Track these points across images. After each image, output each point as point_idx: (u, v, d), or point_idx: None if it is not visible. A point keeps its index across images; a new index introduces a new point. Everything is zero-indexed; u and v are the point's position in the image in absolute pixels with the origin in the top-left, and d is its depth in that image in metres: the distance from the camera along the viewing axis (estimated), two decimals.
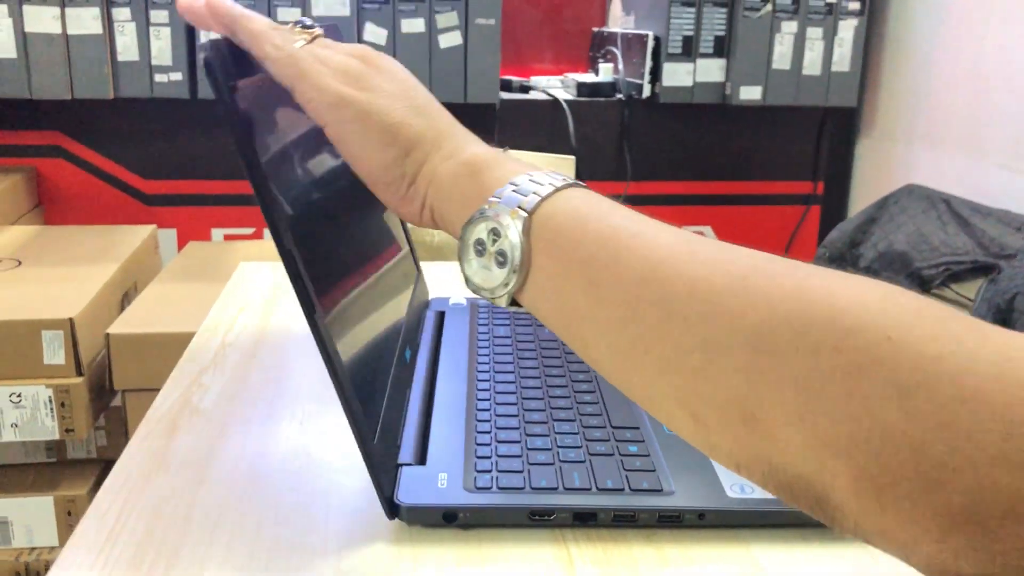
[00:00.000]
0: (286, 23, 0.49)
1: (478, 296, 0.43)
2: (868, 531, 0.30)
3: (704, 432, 0.34)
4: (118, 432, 1.35)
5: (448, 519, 0.49)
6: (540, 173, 0.42)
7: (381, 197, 0.48)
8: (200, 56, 0.42)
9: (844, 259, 1.89)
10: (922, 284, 1.71)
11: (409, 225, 1.16)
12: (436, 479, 0.51)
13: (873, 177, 2.32)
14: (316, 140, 0.57)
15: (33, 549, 1.29)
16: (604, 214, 0.39)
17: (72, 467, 1.36)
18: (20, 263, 1.49)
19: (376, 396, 0.54)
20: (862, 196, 2.34)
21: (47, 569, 1.27)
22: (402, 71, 0.49)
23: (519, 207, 0.40)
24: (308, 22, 0.50)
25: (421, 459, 0.54)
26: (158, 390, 0.72)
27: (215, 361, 0.74)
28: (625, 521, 0.50)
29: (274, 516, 0.51)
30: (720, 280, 0.34)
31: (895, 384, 0.28)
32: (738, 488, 0.51)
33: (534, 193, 0.41)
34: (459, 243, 0.43)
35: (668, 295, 0.35)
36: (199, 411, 0.65)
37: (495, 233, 0.41)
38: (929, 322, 0.30)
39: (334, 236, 0.57)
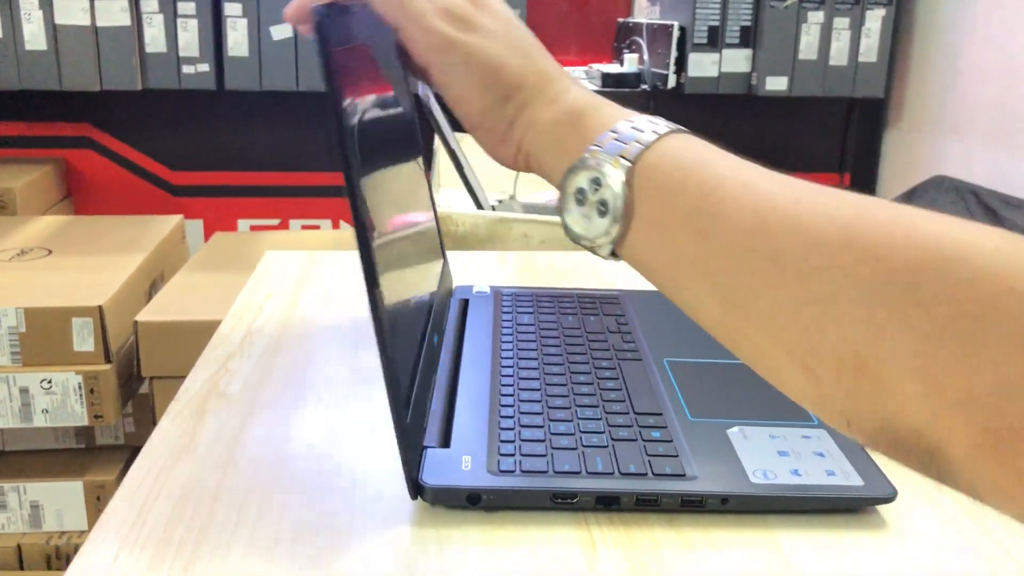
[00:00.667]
0: None
1: (578, 244, 0.42)
2: (984, 488, 0.29)
3: (816, 385, 0.34)
4: (146, 419, 1.37)
5: (472, 501, 0.50)
6: (641, 119, 0.42)
7: (478, 139, 0.48)
8: (313, 20, 0.43)
9: None
10: None
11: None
12: (460, 461, 0.52)
13: (901, 168, 2.29)
14: (393, 116, 0.57)
15: (64, 533, 1.32)
16: (709, 162, 0.39)
17: (101, 453, 1.38)
18: (50, 252, 1.51)
19: (409, 377, 0.54)
20: (889, 187, 2.31)
21: (76, 552, 1.30)
22: (506, 10, 0.49)
23: (621, 156, 0.40)
24: None
25: (445, 442, 0.54)
26: (185, 377, 0.73)
27: (242, 347, 0.75)
28: (648, 505, 0.50)
29: (299, 499, 0.52)
30: (831, 231, 0.34)
31: (1018, 335, 0.28)
32: (761, 474, 0.51)
33: (636, 141, 0.40)
34: (560, 191, 0.42)
35: (781, 248, 0.35)
36: (226, 395, 0.66)
37: (596, 182, 0.40)
38: None
39: (390, 214, 0.57)
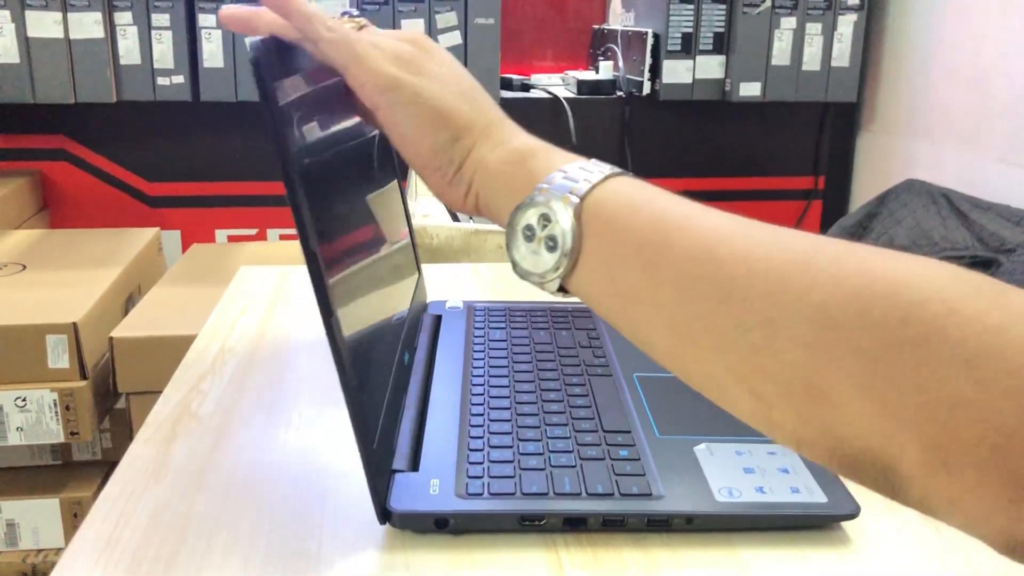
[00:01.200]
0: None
1: (526, 281, 0.43)
2: (936, 503, 0.30)
3: (765, 410, 0.34)
4: (123, 434, 1.37)
5: (439, 525, 0.50)
6: (589, 162, 0.43)
7: (427, 181, 0.49)
8: (250, 54, 0.43)
9: None
10: None
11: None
12: (428, 485, 0.52)
13: (874, 172, 2.31)
14: (348, 142, 0.58)
15: (40, 551, 1.31)
16: (655, 198, 0.40)
17: (78, 469, 1.38)
18: (24, 267, 1.50)
19: (377, 401, 0.54)
20: (863, 190, 2.34)
21: (53, 569, 1.29)
22: (450, 57, 0.50)
23: (570, 192, 0.41)
24: (355, 12, 0.51)
25: (414, 465, 0.54)
26: (162, 393, 0.73)
27: (214, 367, 0.75)
28: (614, 526, 0.51)
29: (269, 523, 0.52)
30: (781, 259, 0.35)
31: (962, 354, 0.29)
32: (726, 492, 0.52)
33: (584, 180, 0.41)
34: (507, 229, 0.43)
35: (727, 275, 0.35)
36: (197, 417, 0.66)
37: (545, 219, 0.41)
38: (990, 295, 0.30)
39: (351, 239, 0.57)
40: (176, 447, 0.61)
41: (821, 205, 2.42)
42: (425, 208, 1.56)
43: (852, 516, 0.51)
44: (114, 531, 0.51)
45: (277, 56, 0.47)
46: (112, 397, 1.35)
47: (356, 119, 0.55)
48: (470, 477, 0.53)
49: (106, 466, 1.39)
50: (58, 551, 1.30)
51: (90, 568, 0.48)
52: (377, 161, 0.70)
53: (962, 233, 1.69)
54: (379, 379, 0.57)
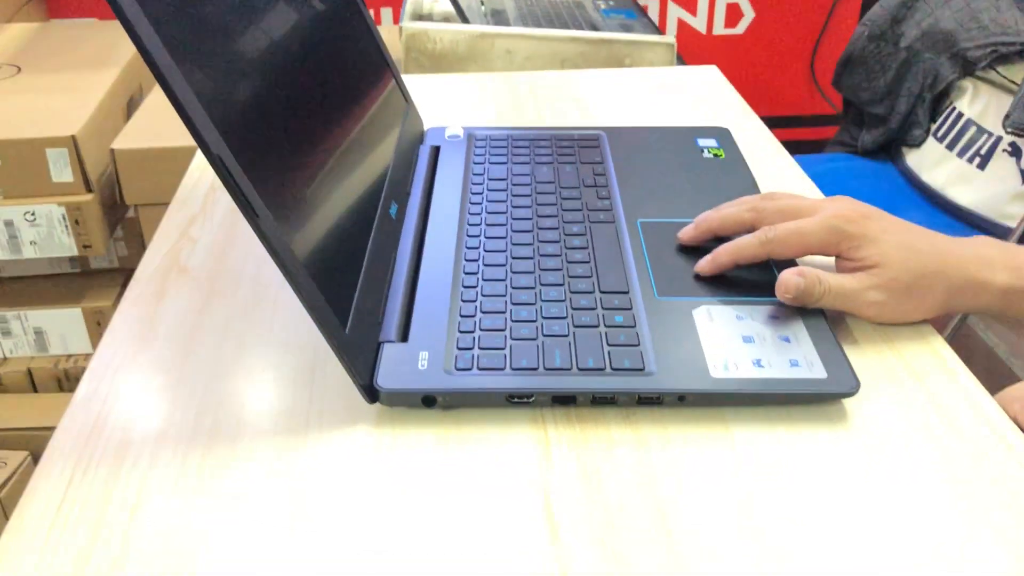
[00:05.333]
0: None
1: None
2: None
3: None
4: (136, 243, 1.37)
5: (427, 403, 0.49)
6: None
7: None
8: None
9: (884, 37, 1.77)
10: (966, 66, 1.61)
11: (406, 35, 1.10)
12: (417, 359, 0.51)
13: None
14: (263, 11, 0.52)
15: (70, 356, 1.35)
16: None
17: (96, 277, 1.39)
18: (20, 69, 1.45)
19: (349, 275, 0.52)
20: None
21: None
22: (889, 224, 0.56)
23: None
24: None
25: (404, 335, 0.53)
26: (169, 204, 0.71)
27: (204, 208, 0.73)
28: (604, 403, 0.50)
29: (257, 395, 0.52)
30: None
31: None
32: (722, 366, 0.50)
33: None
34: None
35: None
36: (187, 271, 0.64)
37: None
38: None
39: (287, 104, 0.53)
40: (165, 307, 0.60)
41: None
42: None
43: (851, 393, 0.49)
44: (103, 408, 0.51)
45: None
46: (121, 208, 1.34)
47: None
48: (460, 349, 0.52)
49: (124, 273, 1.40)
50: (87, 356, 1.35)
51: (78, 455, 0.48)
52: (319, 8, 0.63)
53: (1015, 15, 1.56)
54: (354, 248, 0.54)
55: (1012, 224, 1.47)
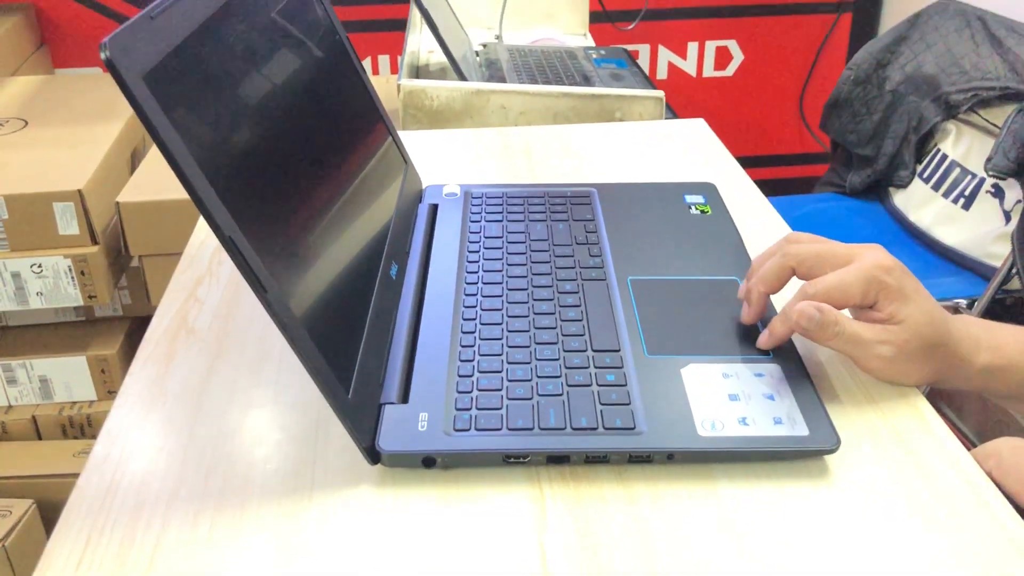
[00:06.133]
0: None
1: None
2: None
3: None
4: (140, 292, 1.39)
5: (427, 464, 0.52)
6: None
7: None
8: (102, 55, 0.40)
9: (870, 81, 1.81)
10: (948, 109, 1.65)
11: (404, 92, 1.13)
12: (417, 420, 0.53)
13: None
14: (265, 91, 0.55)
15: (74, 403, 1.37)
16: None
17: (101, 325, 1.42)
18: (27, 123, 1.48)
19: (352, 340, 0.55)
20: (894, 11, 2.21)
21: (88, 422, 1.36)
22: (910, 286, 0.57)
23: None
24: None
25: (404, 396, 0.55)
26: (174, 255, 0.74)
27: (210, 268, 0.75)
28: (597, 461, 0.52)
29: (264, 455, 0.54)
30: None
31: None
32: (709, 425, 0.53)
33: None
34: None
35: None
36: (195, 332, 0.67)
37: None
38: None
39: (293, 177, 0.56)
40: (174, 368, 0.62)
41: (851, 18, 2.30)
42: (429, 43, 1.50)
43: (832, 450, 0.52)
44: (116, 471, 0.53)
45: (136, 44, 0.43)
46: (126, 258, 1.37)
47: (269, 57, 0.53)
48: (458, 410, 0.54)
49: (128, 321, 1.43)
50: (91, 403, 1.37)
51: (95, 516, 0.50)
52: (320, 80, 0.67)
53: (994, 61, 1.61)
54: (356, 311, 0.57)
55: (996, 264, 1.50)
